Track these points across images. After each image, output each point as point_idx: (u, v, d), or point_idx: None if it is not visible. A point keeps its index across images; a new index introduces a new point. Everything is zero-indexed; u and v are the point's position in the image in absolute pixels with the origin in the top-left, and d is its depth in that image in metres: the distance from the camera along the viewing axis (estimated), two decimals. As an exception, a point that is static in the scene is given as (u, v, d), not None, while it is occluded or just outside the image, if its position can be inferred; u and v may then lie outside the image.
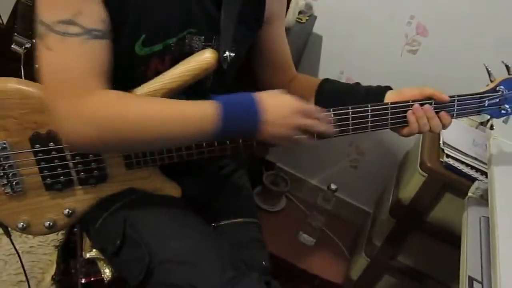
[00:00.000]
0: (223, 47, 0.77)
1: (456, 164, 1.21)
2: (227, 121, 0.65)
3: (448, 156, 1.22)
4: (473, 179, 1.15)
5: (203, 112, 0.65)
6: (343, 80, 1.66)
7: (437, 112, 0.80)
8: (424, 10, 1.43)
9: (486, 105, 0.85)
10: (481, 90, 0.85)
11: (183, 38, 0.75)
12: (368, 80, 1.60)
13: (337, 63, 1.66)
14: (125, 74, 0.72)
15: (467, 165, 1.20)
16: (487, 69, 0.87)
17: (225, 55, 0.77)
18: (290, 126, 0.68)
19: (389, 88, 0.86)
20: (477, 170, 1.20)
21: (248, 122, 0.67)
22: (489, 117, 0.88)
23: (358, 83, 0.92)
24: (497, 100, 0.85)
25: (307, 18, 1.48)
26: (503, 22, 1.34)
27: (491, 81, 0.86)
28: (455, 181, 1.21)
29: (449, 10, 1.39)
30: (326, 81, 0.93)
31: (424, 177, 1.24)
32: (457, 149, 1.21)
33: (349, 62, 1.63)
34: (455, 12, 1.38)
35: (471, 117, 1.06)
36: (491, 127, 0.91)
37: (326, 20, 1.57)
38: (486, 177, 1.15)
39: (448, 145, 1.23)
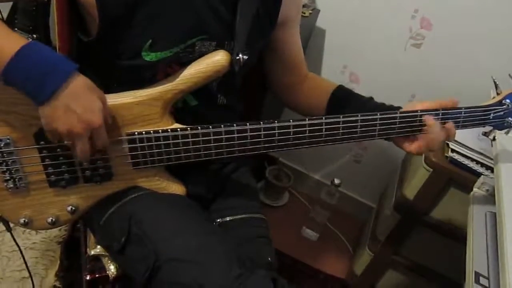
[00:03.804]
0: (236, 50, 0.76)
1: (461, 159, 1.20)
2: (18, 67, 0.59)
3: (453, 150, 1.21)
4: (478, 174, 1.14)
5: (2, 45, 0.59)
6: (346, 75, 1.67)
7: (444, 123, 0.82)
8: (428, 4, 1.41)
9: (491, 117, 0.86)
10: (487, 103, 0.86)
11: (193, 45, 0.74)
12: (371, 74, 1.61)
13: (340, 57, 1.65)
14: (133, 77, 0.72)
15: (472, 159, 1.20)
16: (494, 82, 0.87)
17: (238, 57, 0.76)
18: (71, 121, 0.62)
19: (400, 108, 0.87)
20: (482, 164, 1.19)
21: (42, 83, 0.60)
22: (491, 128, 0.90)
23: (371, 98, 0.92)
24: (502, 113, 0.85)
25: (310, 11, 1.47)
26: (508, 15, 1.33)
27: (498, 94, 0.87)
28: (460, 176, 1.20)
29: (453, 3, 1.37)
30: (340, 88, 0.94)
31: (428, 172, 1.24)
32: (462, 144, 1.20)
33: (353, 56, 1.62)
34: (459, 5, 1.37)
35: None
36: (494, 138, 0.92)
37: (329, 14, 1.55)
38: (492, 171, 1.15)
39: (453, 139, 1.22)
